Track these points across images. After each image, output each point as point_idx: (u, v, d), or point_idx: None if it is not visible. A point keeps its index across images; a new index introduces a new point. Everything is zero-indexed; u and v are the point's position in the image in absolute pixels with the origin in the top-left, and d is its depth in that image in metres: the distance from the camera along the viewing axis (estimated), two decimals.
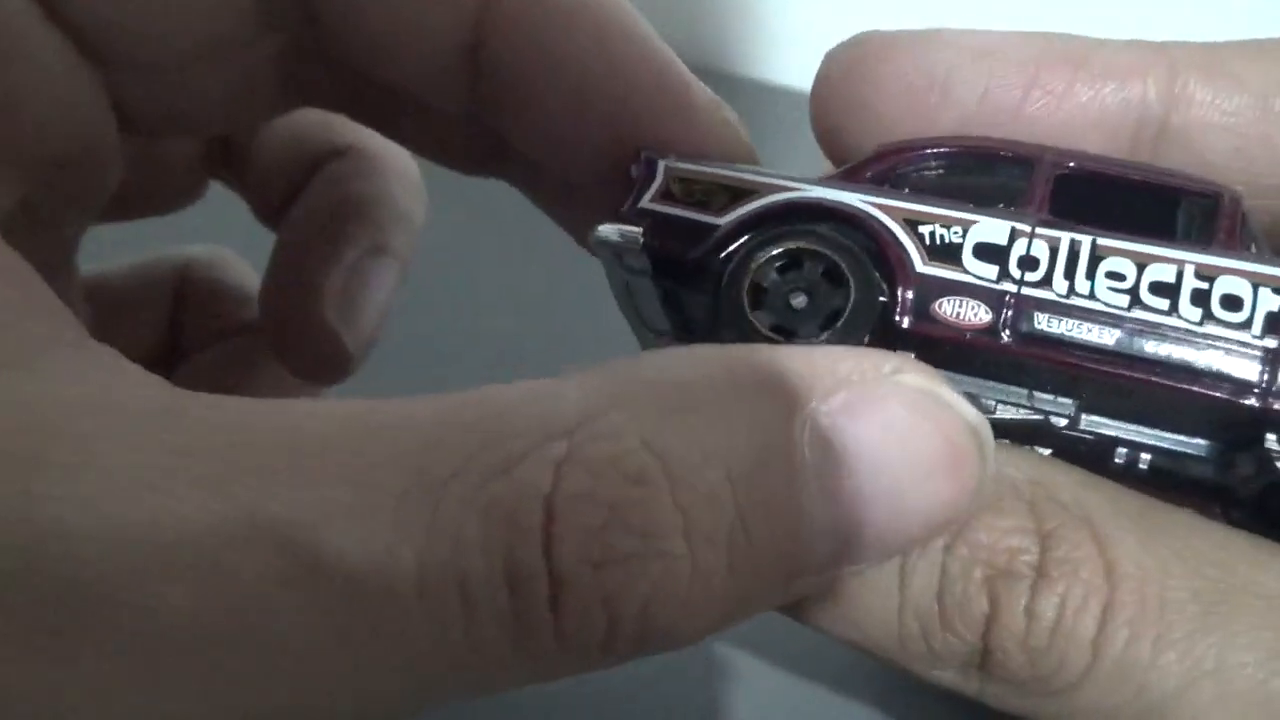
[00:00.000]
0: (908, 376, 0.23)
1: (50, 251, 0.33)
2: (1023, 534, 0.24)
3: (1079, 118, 0.28)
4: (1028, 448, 0.26)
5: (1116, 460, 0.26)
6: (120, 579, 0.18)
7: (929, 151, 0.27)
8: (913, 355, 0.24)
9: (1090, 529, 0.24)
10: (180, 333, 0.42)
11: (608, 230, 0.27)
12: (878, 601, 0.25)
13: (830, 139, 0.30)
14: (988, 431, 0.23)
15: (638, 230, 0.27)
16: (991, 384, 0.26)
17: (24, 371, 0.20)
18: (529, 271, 0.57)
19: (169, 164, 0.39)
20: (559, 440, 0.20)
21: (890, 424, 0.23)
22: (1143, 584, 0.24)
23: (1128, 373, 0.25)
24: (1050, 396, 0.26)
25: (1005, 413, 0.26)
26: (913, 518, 0.23)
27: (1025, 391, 0.26)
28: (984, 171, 0.27)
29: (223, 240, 0.43)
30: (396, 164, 0.40)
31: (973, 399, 0.26)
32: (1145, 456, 0.26)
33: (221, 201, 0.42)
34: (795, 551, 0.22)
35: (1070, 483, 0.25)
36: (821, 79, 0.30)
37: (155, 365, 0.26)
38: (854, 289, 0.26)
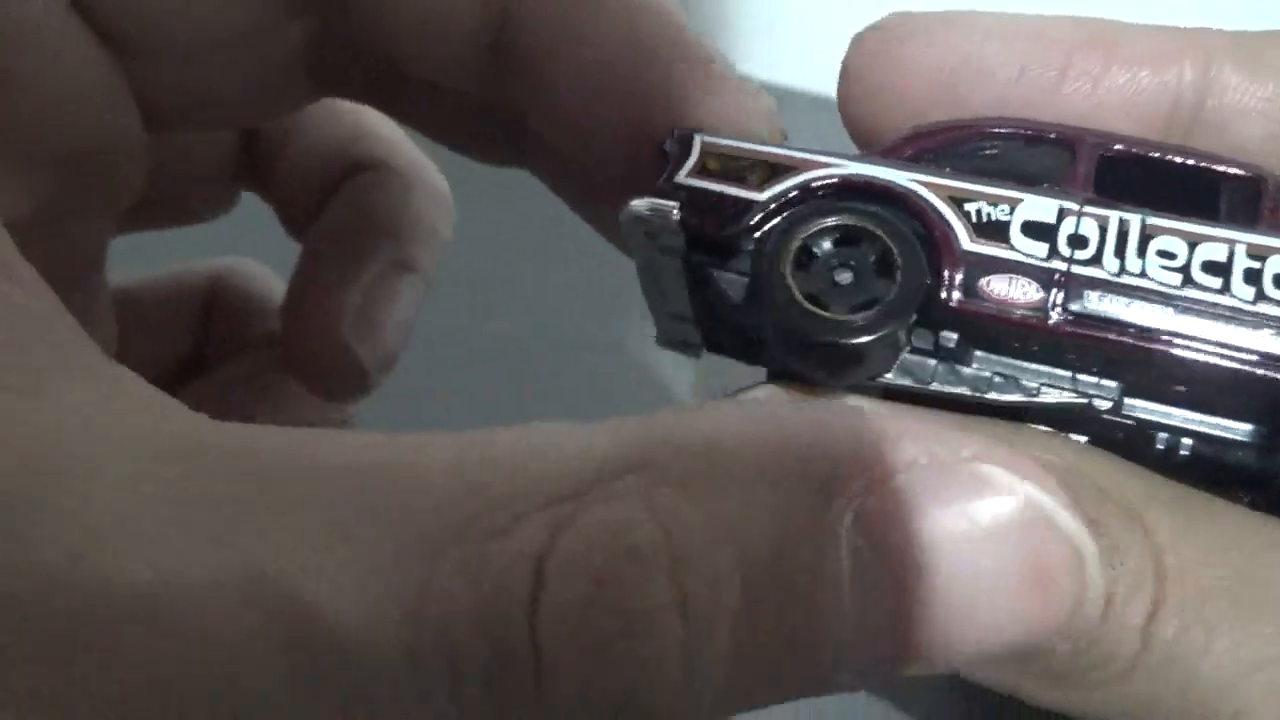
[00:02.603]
0: (990, 469, 0.20)
1: (73, 256, 0.31)
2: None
3: (1114, 102, 0.28)
4: (1064, 435, 0.26)
5: (1157, 446, 0.26)
6: (104, 635, 0.17)
7: (968, 131, 0.27)
8: (994, 444, 0.22)
9: (1135, 516, 0.24)
10: (209, 344, 0.41)
11: (641, 205, 0.26)
12: None
13: (858, 123, 0.29)
14: (1090, 545, 0.21)
15: (673, 205, 0.26)
16: (1034, 366, 0.26)
17: (27, 399, 0.19)
18: (537, 269, 0.56)
19: (198, 172, 0.39)
20: (566, 503, 0.19)
21: (962, 526, 0.20)
22: (1189, 572, 0.23)
23: (1180, 352, 0.24)
24: (1094, 379, 0.25)
25: (1048, 396, 0.26)
26: (986, 634, 0.21)
27: (1069, 374, 0.25)
28: (1024, 153, 0.27)
29: (257, 251, 0.42)
30: (424, 179, 0.39)
31: (1014, 382, 0.26)
32: (1186, 442, 0.26)
33: (255, 212, 0.41)
34: (817, 650, 0.20)
35: (1110, 469, 0.25)
36: (850, 62, 0.29)
37: (184, 376, 0.25)
38: (900, 279, 0.25)
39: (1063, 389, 0.26)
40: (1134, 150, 0.26)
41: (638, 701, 0.19)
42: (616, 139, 0.30)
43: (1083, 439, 0.26)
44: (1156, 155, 0.26)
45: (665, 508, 0.19)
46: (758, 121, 0.29)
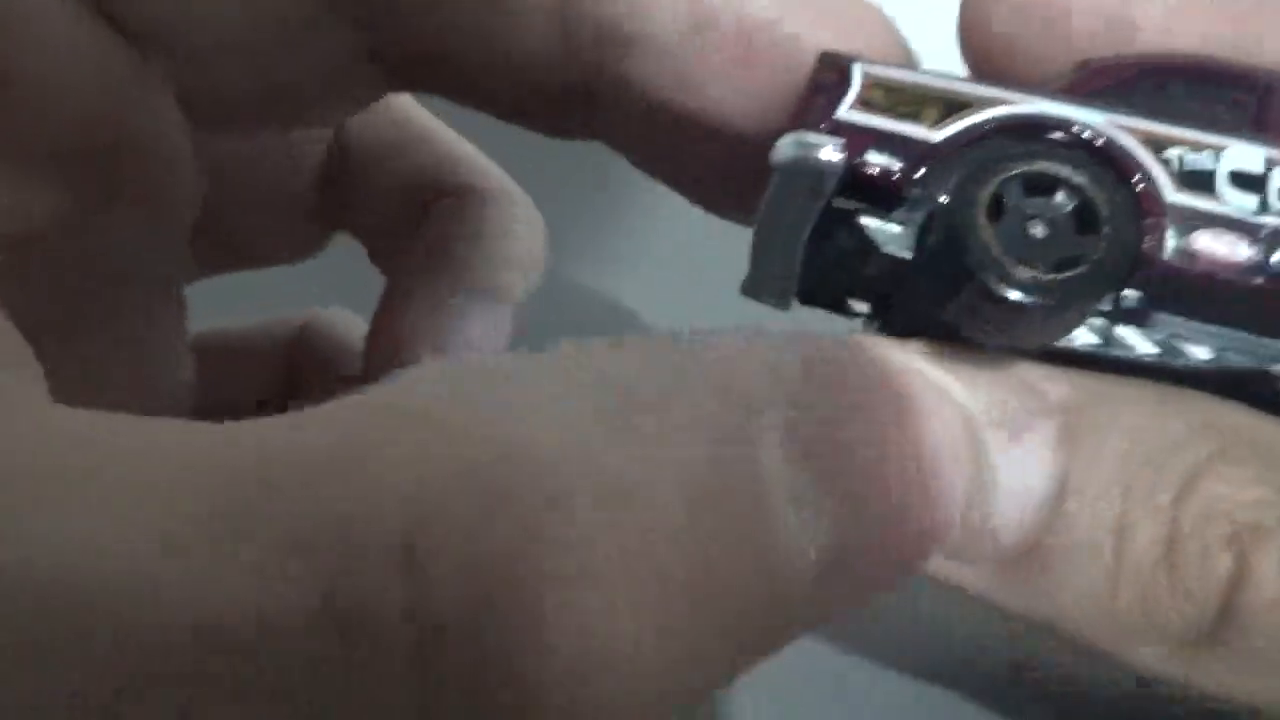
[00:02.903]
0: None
1: (114, 269, 0.28)
2: (1263, 483, 0.22)
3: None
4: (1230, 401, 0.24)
5: None
6: None
7: (1149, 69, 0.24)
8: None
9: None
10: (292, 388, 0.40)
11: (796, 144, 0.23)
12: (1083, 566, 0.22)
13: (990, 53, 0.26)
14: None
15: (836, 143, 0.23)
16: (1214, 328, 0.23)
17: None
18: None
19: (276, 206, 0.38)
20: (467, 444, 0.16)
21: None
22: None
23: None
24: (1277, 342, 0.23)
25: (1225, 360, 0.23)
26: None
27: (1250, 336, 0.23)
28: (1213, 95, 0.24)
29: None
30: (515, 204, 0.37)
31: (1191, 343, 0.23)
32: None
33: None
34: (778, 584, 0.18)
35: (1276, 430, 0.23)
36: None
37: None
38: (1108, 236, 0.22)
39: (1242, 353, 0.24)
40: None
41: (570, 683, 0.16)
42: (726, 78, 0.27)
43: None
44: None
45: (585, 444, 0.17)
46: (885, 56, 0.26)
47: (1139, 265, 0.23)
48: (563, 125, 0.31)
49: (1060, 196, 0.22)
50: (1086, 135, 0.23)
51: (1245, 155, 0.23)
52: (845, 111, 0.23)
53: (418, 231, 0.37)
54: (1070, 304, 0.22)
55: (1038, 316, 0.22)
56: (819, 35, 0.26)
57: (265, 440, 0.17)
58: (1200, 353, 0.23)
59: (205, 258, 0.33)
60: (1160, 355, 0.23)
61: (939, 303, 0.23)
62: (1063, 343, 0.24)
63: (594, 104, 0.29)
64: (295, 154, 0.37)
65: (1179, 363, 0.24)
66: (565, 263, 0.41)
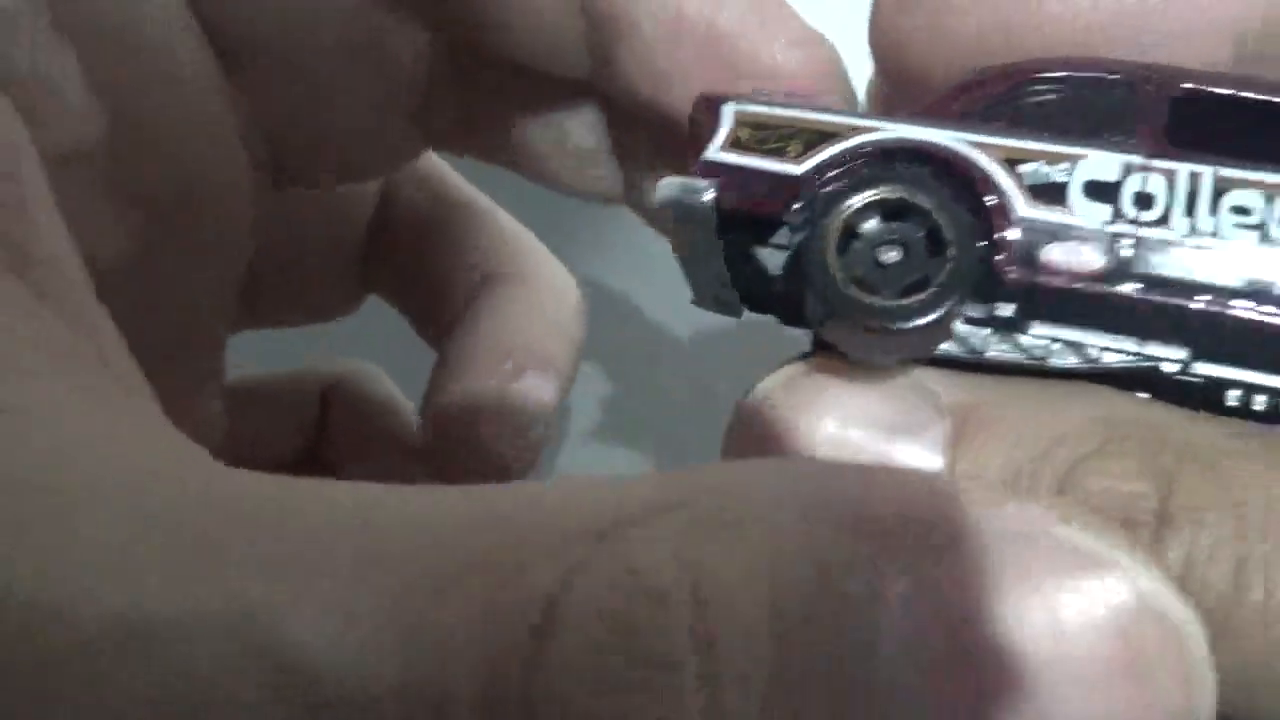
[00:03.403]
0: (1076, 533, 0.18)
1: (176, 308, 0.31)
2: (1138, 477, 0.22)
3: (1183, 30, 0.25)
4: (1126, 392, 0.24)
5: (1229, 404, 0.24)
6: (74, 661, 0.16)
7: (1023, 78, 0.25)
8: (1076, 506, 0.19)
9: (1210, 470, 0.22)
10: (323, 442, 0.42)
11: (671, 186, 0.25)
12: None
13: (895, 62, 0.27)
14: (1198, 633, 0.18)
15: (706, 184, 0.25)
16: (1097, 334, 0.24)
17: (19, 417, 0.18)
18: None
19: (326, 266, 0.40)
20: (584, 546, 0.17)
21: (1049, 615, 0.17)
22: (1275, 527, 0.22)
23: (1258, 315, 0.23)
24: (1160, 346, 0.24)
25: (1111, 360, 0.24)
26: None
27: (1133, 341, 0.24)
28: (1087, 99, 0.24)
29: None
30: (556, 284, 0.41)
31: (1075, 348, 0.24)
32: (1261, 398, 0.24)
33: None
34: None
35: (1179, 421, 0.23)
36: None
37: (298, 471, 0.24)
38: (952, 256, 0.23)
39: (1127, 353, 0.24)
40: (1209, 88, 0.24)
41: None
42: (693, 80, 0.29)
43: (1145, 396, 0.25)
44: (1235, 93, 0.24)
45: (692, 551, 0.17)
46: (823, 73, 0.28)
47: (999, 280, 0.24)
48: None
49: (911, 222, 0.24)
50: (937, 155, 0.24)
51: (1101, 164, 0.23)
52: (714, 152, 0.25)
53: (472, 309, 0.39)
54: (915, 322, 0.23)
55: (893, 337, 0.24)
56: (776, 51, 0.28)
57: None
58: (1082, 357, 0.24)
59: (249, 310, 0.35)
60: (1042, 359, 0.24)
61: (813, 325, 0.25)
62: (952, 351, 0.25)
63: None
64: (345, 212, 0.40)
65: (1061, 365, 0.24)
66: (572, 260, 0.43)
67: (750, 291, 0.27)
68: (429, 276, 0.41)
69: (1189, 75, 0.24)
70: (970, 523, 0.17)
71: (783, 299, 0.26)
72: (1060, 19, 0.26)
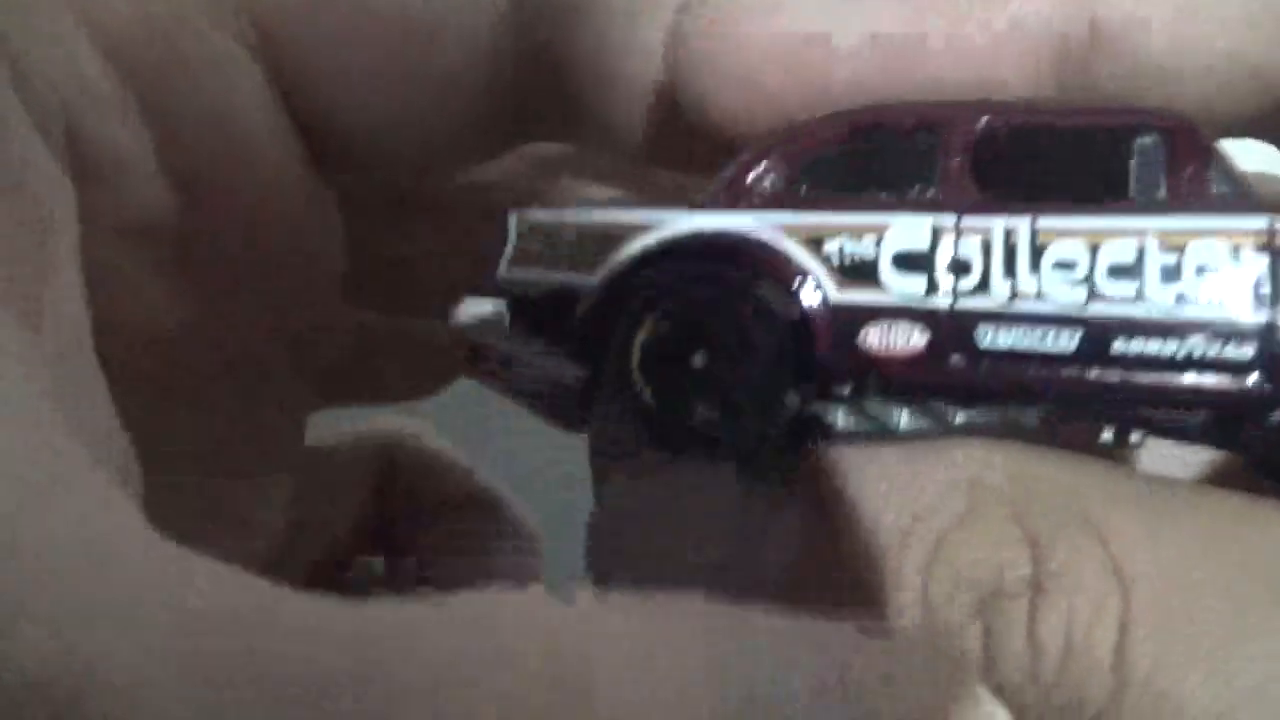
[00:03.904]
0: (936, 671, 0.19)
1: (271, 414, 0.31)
2: (1010, 545, 0.21)
3: (994, 47, 0.23)
4: (1000, 445, 0.22)
5: (1104, 437, 0.22)
6: None
7: (818, 137, 0.23)
8: None
9: (1089, 525, 0.20)
10: (389, 505, 0.41)
11: (468, 311, 0.23)
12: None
13: (703, 115, 0.25)
14: None
15: (502, 306, 0.23)
16: (945, 404, 0.22)
17: None
18: None
19: (427, 351, 0.38)
20: None
21: None
22: (1161, 583, 0.20)
23: (1099, 377, 0.21)
24: (1016, 408, 0.22)
25: (964, 418, 0.22)
26: None
27: (984, 408, 0.22)
28: (890, 148, 0.22)
29: None
30: None
31: (930, 412, 0.22)
32: (1137, 433, 0.22)
33: None
34: None
35: (1055, 473, 0.21)
36: (685, 48, 0.25)
37: (360, 535, 0.27)
38: (763, 353, 0.21)
39: (981, 416, 0.22)
40: (1012, 120, 0.22)
41: None
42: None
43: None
44: (1040, 121, 0.22)
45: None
46: None
47: (821, 367, 0.22)
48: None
49: (714, 326, 0.22)
50: (738, 246, 0.22)
51: (909, 233, 0.21)
52: (505, 269, 0.23)
53: None
54: (741, 424, 0.21)
55: (721, 443, 0.22)
56: None
57: None
58: (918, 424, 0.22)
59: (328, 392, 0.34)
60: (891, 430, 0.23)
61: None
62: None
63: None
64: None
65: (907, 427, 0.23)
66: None
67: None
68: None
69: (988, 108, 0.22)
70: None
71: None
72: (852, 70, 0.23)
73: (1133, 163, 0.21)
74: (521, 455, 0.45)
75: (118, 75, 0.25)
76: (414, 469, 0.40)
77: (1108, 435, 0.22)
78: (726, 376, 0.22)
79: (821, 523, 0.22)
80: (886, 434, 0.22)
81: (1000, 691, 0.21)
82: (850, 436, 0.23)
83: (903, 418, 0.22)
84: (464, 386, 0.38)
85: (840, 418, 0.23)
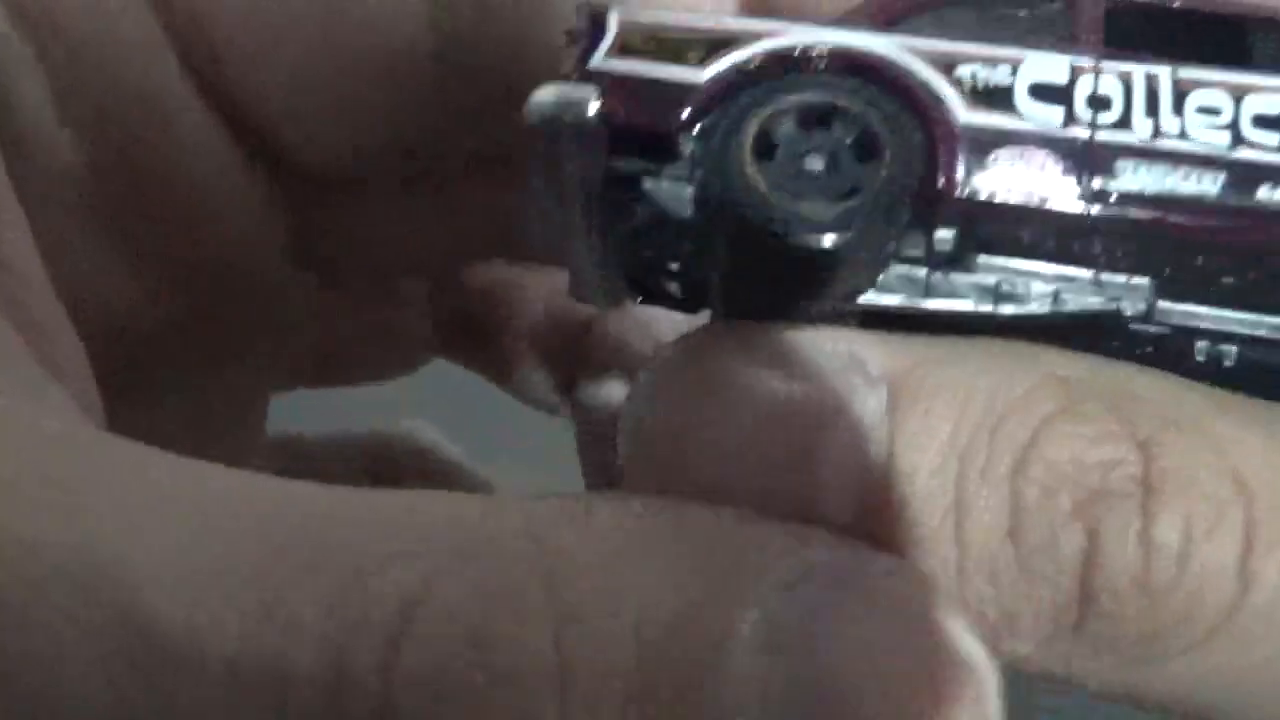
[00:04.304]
0: (900, 584, 0.19)
1: (223, 394, 0.31)
2: (1115, 441, 0.19)
3: None
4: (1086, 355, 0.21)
5: (1197, 359, 0.21)
6: None
7: None
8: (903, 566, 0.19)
9: (1201, 430, 0.19)
10: None
11: (549, 94, 0.21)
12: (926, 556, 0.19)
13: None
14: (990, 678, 0.18)
15: (591, 92, 0.21)
16: (1049, 267, 0.21)
17: None
18: None
19: (389, 332, 0.37)
20: (451, 556, 0.18)
21: (863, 642, 0.18)
22: None
23: (1235, 228, 0.20)
24: (1122, 277, 0.21)
25: (1068, 304, 0.21)
26: None
27: (1091, 274, 0.21)
28: (1018, 10, 0.22)
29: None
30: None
31: (1025, 288, 0.21)
32: (1231, 350, 0.21)
33: None
34: None
35: (1152, 381, 0.20)
36: None
37: None
38: (889, 162, 0.20)
39: (1085, 293, 0.21)
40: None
41: None
42: None
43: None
44: (1172, 3, 0.22)
45: (557, 572, 0.18)
46: None
47: (938, 198, 0.20)
48: None
49: (837, 127, 0.20)
50: (863, 60, 0.20)
51: (1047, 66, 0.20)
52: (600, 59, 0.21)
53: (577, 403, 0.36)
54: (857, 236, 0.19)
55: (829, 258, 0.20)
56: None
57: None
58: (1035, 296, 0.21)
59: (298, 370, 0.33)
60: (990, 304, 0.21)
61: (731, 265, 0.21)
62: (883, 302, 0.21)
63: None
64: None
65: (1013, 311, 0.21)
66: None
67: (640, 260, 0.23)
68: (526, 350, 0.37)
69: None
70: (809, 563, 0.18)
71: (681, 265, 0.22)
72: None
73: (1255, 53, 0.21)
74: (510, 441, 0.42)
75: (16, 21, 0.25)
76: (406, 466, 0.39)
77: (1201, 354, 0.21)
78: (845, 180, 0.20)
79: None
80: (976, 318, 0.21)
81: (1098, 603, 0.18)
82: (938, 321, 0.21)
83: (998, 297, 0.21)
84: (451, 376, 0.38)
85: (929, 289, 0.21)
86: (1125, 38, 0.21)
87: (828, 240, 0.19)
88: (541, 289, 0.36)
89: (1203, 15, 0.21)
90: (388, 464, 0.39)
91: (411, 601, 0.17)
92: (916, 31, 0.21)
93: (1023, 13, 0.22)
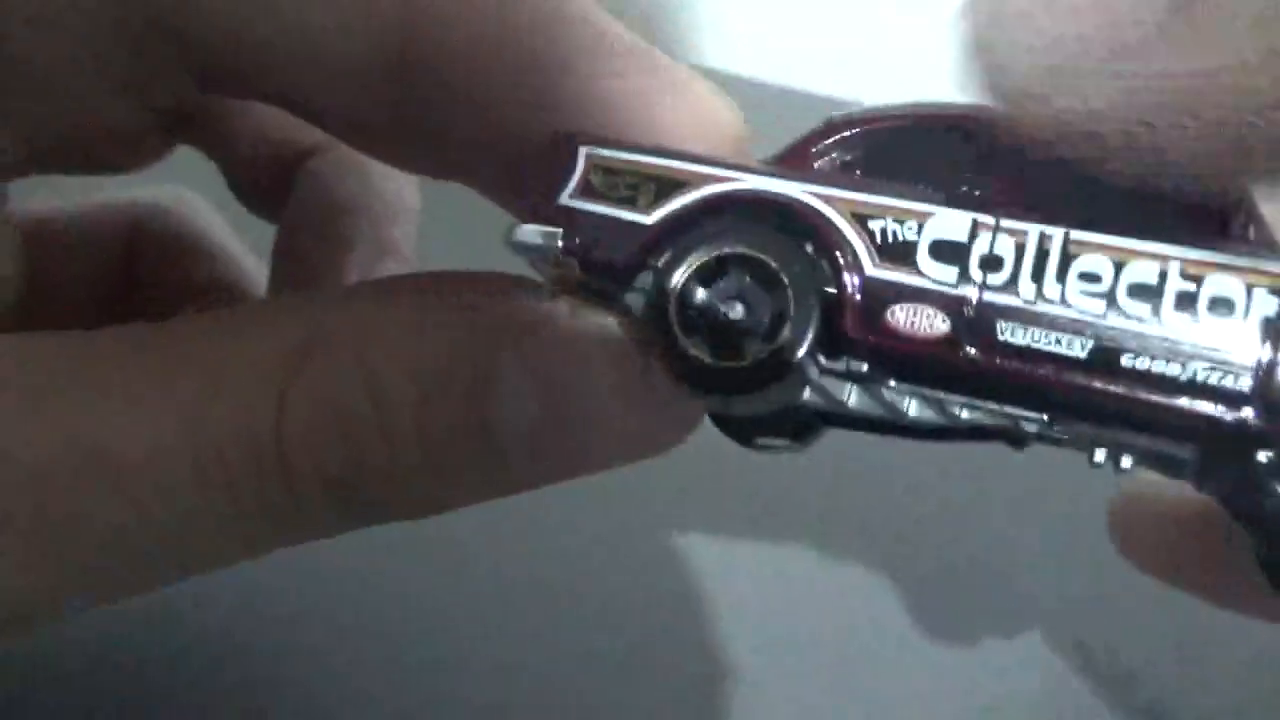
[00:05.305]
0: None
1: None
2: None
3: None
4: None
5: (1096, 460, 0.24)
6: None
7: (886, 124, 0.24)
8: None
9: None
10: (137, 287, 0.38)
11: (527, 233, 0.25)
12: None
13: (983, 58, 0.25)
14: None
15: (557, 232, 0.24)
16: (954, 395, 0.23)
17: None
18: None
19: (116, 131, 0.33)
20: (298, 355, 0.25)
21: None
22: None
23: (1103, 387, 0.22)
24: (1019, 408, 0.23)
25: (971, 417, 0.24)
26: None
27: (992, 402, 0.23)
28: (953, 145, 0.24)
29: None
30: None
31: (935, 404, 0.24)
32: (1127, 459, 0.24)
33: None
34: (487, 441, 0.25)
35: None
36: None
37: (105, 321, 0.26)
38: (793, 290, 0.23)
39: (988, 415, 0.23)
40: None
41: (361, 484, 0.25)
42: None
43: None
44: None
45: (369, 355, 0.25)
46: (710, 132, 0.26)
47: (846, 338, 0.23)
48: (410, 164, 0.31)
49: (734, 273, 0.23)
50: (790, 209, 0.23)
51: (949, 223, 0.23)
52: (566, 197, 0.24)
53: (297, 187, 0.36)
54: (756, 382, 0.23)
55: (739, 392, 0.23)
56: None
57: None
58: (945, 413, 0.24)
59: (38, 153, 0.30)
60: (906, 413, 0.24)
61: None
62: (822, 403, 0.24)
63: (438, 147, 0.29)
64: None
65: (927, 420, 0.24)
66: None
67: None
68: (242, 146, 0.36)
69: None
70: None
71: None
72: None
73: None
74: None
75: None
76: (164, 251, 0.38)
77: (1100, 457, 0.24)
78: (762, 318, 0.23)
79: None
80: (892, 423, 0.24)
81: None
82: (857, 420, 0.24)
83: (911, 406, 0.24)
84: None
85: (853, 397, 0.24)
86: (1042, 174, 0.23)
87: (734, 388, 0.23)
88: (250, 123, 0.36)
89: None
90: (150, 242, 0.38)
91: (283, 390, 0.24)
92: (844, 172, 0.24)
93: (958, 151, 0.24)
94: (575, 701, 0.42)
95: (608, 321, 0.25)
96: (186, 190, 0.39)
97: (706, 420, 0.26)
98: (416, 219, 0.37)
